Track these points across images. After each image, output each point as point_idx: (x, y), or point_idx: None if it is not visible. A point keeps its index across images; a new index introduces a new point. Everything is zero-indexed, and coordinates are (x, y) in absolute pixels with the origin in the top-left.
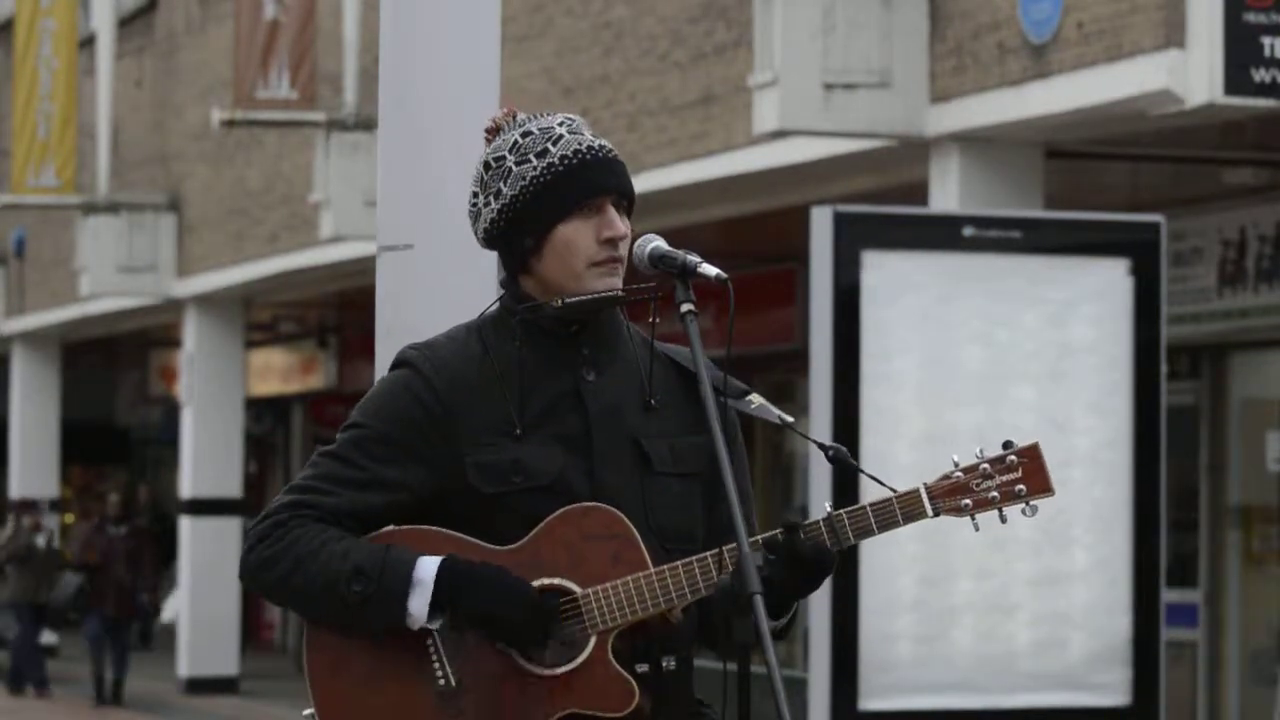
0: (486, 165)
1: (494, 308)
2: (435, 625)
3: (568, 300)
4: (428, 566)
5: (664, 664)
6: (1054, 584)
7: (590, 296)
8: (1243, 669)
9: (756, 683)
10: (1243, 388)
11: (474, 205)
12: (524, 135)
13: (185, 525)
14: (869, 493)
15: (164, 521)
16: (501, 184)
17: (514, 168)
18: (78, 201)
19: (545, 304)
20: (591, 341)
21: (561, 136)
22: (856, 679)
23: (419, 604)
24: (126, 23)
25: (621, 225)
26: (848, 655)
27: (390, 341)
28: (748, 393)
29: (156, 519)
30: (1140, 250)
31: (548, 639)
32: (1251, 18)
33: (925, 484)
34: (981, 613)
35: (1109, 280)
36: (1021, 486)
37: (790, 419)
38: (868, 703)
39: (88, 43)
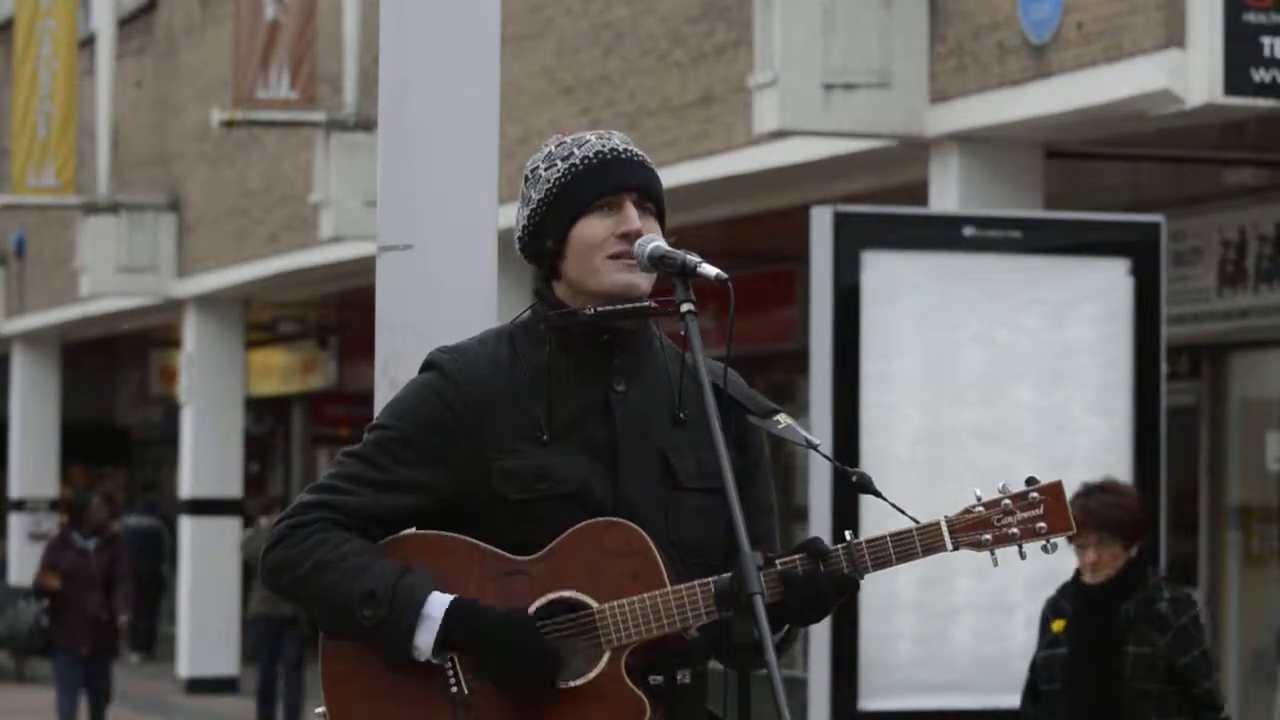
0: (525, 179)
1: (526, 313)
2: (439, 660)
3: (599, 309)
4: (437, 603)
5: (679, 677)
6: (1054, 584)
7: (621, 307)
8: (1243, 669)
9: (756, 683)
10: (1243, 388)
11: (517, 220)
12: (557, 146)
13: (185, 525)
14: (869, 503)
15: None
16: (532, 192)
17: (543, 174)
18: (78, 201)
19: (575, 311)
20: (623, 351)
21: (588, 141)
22: (856, 679)
23: (425, 638)
24: (126, 23)
25: (638, 221)
26: (848, 655)
27: (390, 341)
28: (776, 412)
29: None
30: (1140, 250)
31: (548, 682)
32: (1251, 18)
33: (946, 517)
34: (981, 613)
35: (1109, 280)
36: (1043, 524)
37: (817, 441)
38: (868, 703)
39: (88, 43)
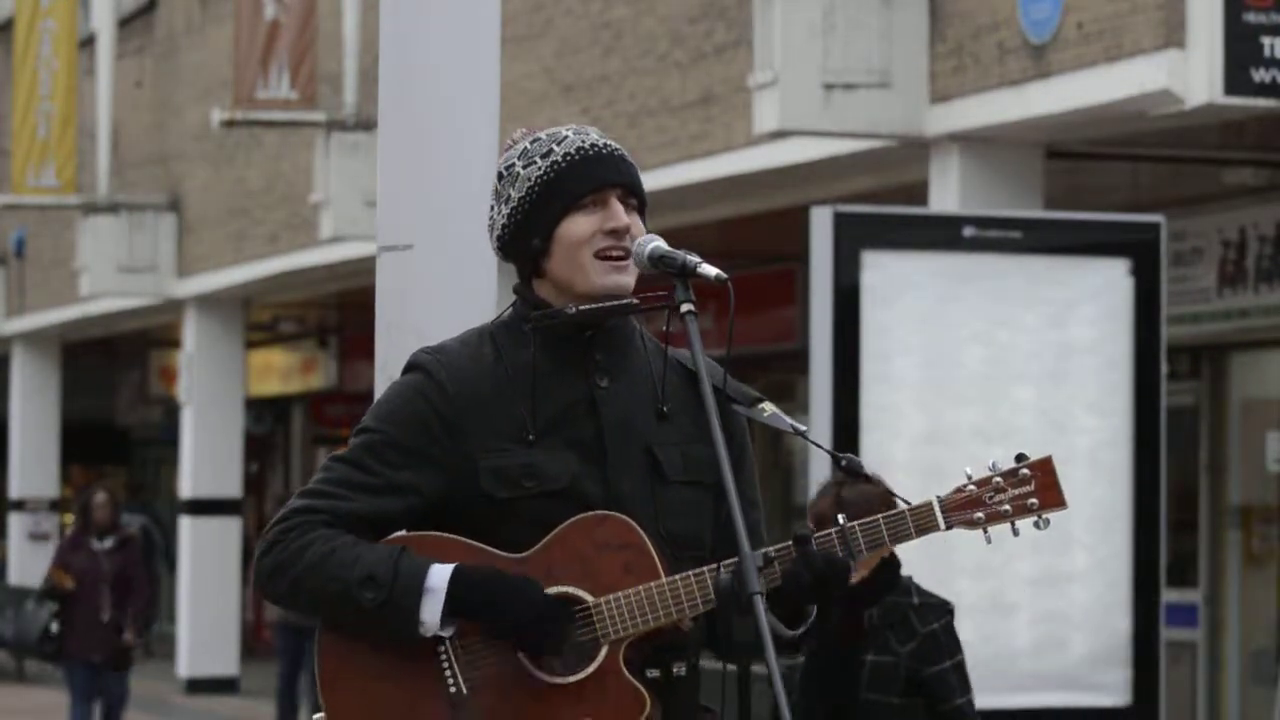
0: (499, 175)
1: (507, 312)
2: (448, 633)
3: (582, 307)
4: (439, 575)
5: (675, 670)
6: (1054, 584)
7: (606, 305)
8: (1243, 669)
9: (756, 683)
10: (1243, 388)
11: (490, 218)
12: (532, 142)
13: (185, 525)
14: None
15: None
16: (511, 189)
17: (521, 172)
18: (78, 201)
19: (560, 310)
20: (604, 347)
21: (566, 137)
22: None
23: (431, 612)
24: (126, 23)
25: (625, 217)
26: None
27: (390, 341)
28: (760, 401)
29: None
30: (1140, 250)
31: (564, 640)
32: (1251, 18)
33: (938, 497)
34: (981, 613)
35: (1109, 280)
36: (1034, 500)
37: (804, 427)
38: None
39: (88, 43)
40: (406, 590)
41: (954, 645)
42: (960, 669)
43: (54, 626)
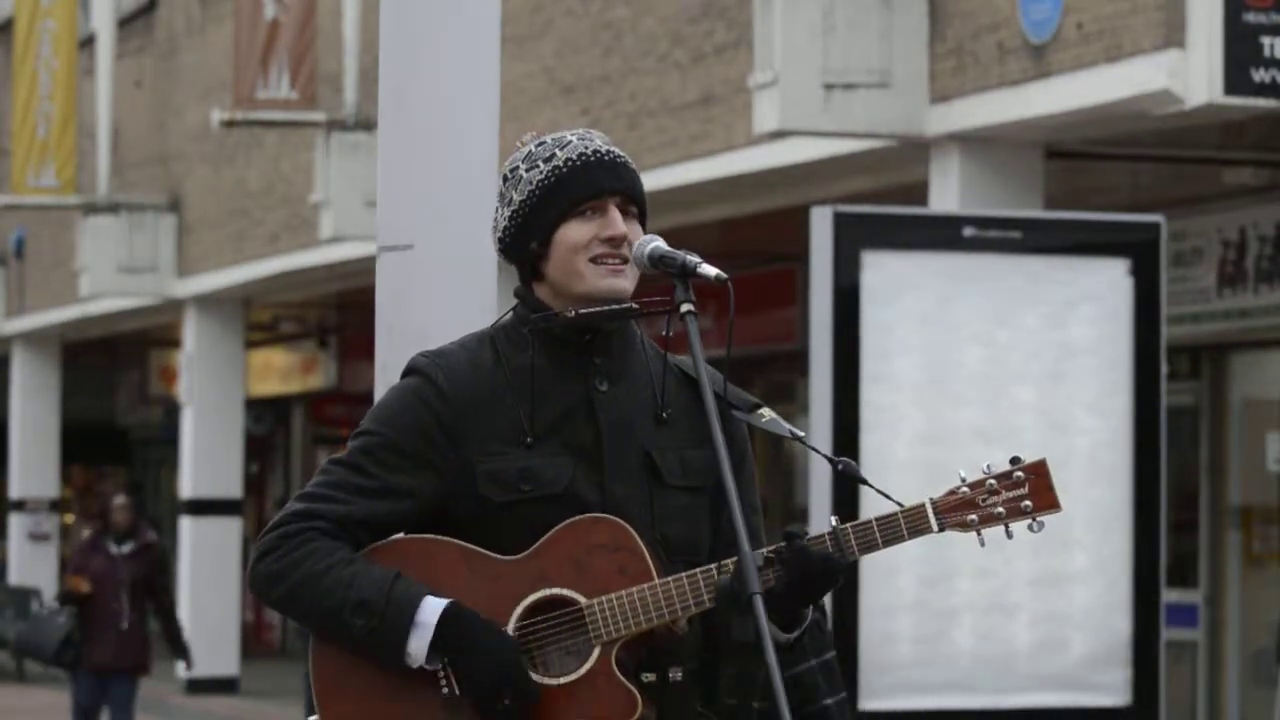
0: (504, 178)
1: (507, 316)
2: (433, 666)
3: (581, 310)
4: (431, 609)
5: (670, 674)
6: (1054, 584)
7: (605, 308)
8: (1243, 669)
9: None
10: (1243, 388)
11: (494, 219)
12: (538, 145)
13: (185, 525)
14: (869, 500)
15: None
16: (513, 192)
17: (524, 175)
18: (78, 201)
19: (559, 313)
20: (604, 351)
21: (570, 142)
22: (856, 679)
23: (418, 645)
24: (126, 23)
25: (622, 226)
26: (848, 655)
27: (390, 341)
28: (759, 406)
29: None
30: (1140, 250)
31: (503, 715)
32: (1251, 18)
33: (931, 499)
34: (981, 613)
35: (1109, 280)
36: (1028, 503)
37: (802, 433)
38: (868, 703)
39: (88, 43)
40: (397, 620)
41: (820, 643)
42: (828, 668)
43: (75, 634)
